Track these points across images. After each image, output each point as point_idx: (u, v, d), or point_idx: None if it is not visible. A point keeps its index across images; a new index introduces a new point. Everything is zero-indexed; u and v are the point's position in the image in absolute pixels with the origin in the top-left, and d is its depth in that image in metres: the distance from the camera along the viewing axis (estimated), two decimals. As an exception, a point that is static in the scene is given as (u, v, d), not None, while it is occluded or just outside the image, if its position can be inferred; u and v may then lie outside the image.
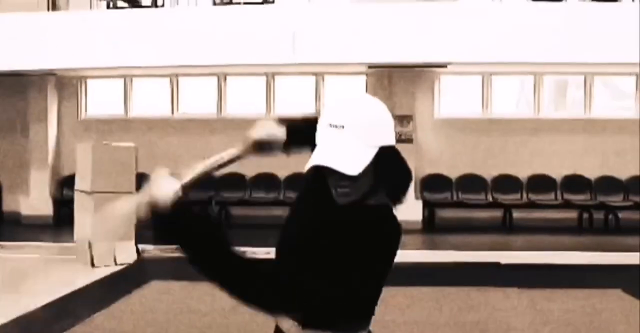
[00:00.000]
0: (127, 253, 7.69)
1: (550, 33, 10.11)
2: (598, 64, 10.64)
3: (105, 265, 7.47)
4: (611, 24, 10.27)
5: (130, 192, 7.70)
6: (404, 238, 1.82)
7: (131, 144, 7.91)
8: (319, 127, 1.78)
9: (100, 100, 12.01)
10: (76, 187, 7.96)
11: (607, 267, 7.28)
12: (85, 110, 12.00)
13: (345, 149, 1.73)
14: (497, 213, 10.96)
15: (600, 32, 10.18)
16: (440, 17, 10.17)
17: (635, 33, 10.09)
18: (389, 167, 1.80)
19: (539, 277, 7.03)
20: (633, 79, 11.43)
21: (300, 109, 10.84)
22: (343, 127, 1.74)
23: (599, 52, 10.24)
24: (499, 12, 10.53)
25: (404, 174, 1.84)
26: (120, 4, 11.16)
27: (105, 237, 7.06)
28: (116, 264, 7.56)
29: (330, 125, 1.76)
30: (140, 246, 8.04)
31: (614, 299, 6.23)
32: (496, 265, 7.45)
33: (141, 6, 11.25)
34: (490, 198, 11.05)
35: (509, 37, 10.10)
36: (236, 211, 11.20)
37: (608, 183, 11.00)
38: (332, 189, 1.78)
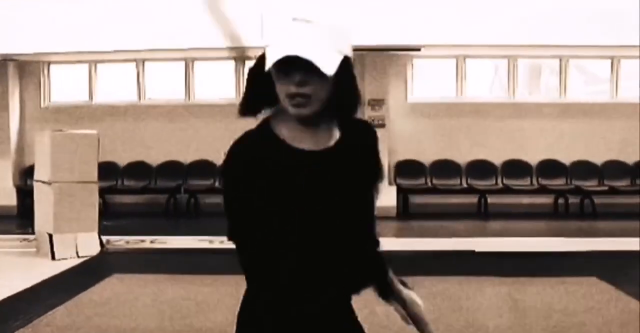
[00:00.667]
0: (89, 246, 7.40)
1: (524, 15, 9.95)
2: (573, 46, 10.50)
3: (66, 258, 7.18)
4: (586, 5, 10.13)
5: (92, 182, 7.44)
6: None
7: (93, 132, 7.59)
8: (275, 23, 1.55)
9: (64, 86, 11.63)
10: (35, 177, 7.65)
11: (583, 253, 7.13)
12: (49, 97, 11.63)
13: (318, 43, 1.52)
14: (472, 199, 10.80)
15: (575, 14, 10.04)
16: (412, -1, 9.94)
17: (610, 15, 9.95)
18: (346, 83, 1.62)
19: (514, 264, 6.86)
20: (606, 63, 11.28)
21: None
22: (311, 22, 1.53)
23: (573, 35, 10.11)
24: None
25: (357, 94, 1.67)
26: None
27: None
28: (78, 257, 7.28)
29: (295, 18, 1.53)
30: (104, 237, 7.78)
31: (590, 287, 6.08)
32: (471, 253, 7.27)
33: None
34: (464, 184, 10.89)
35: (483, 19, 9.92)
36: (205, 199, 10.93)
37: (583, 168, 10.89)
38: (284, 99, 1.57)
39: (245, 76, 1.67)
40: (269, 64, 1.53)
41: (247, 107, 1.65)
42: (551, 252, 7.15)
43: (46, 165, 7.29)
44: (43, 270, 6.71)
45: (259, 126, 1.65)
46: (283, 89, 1.56)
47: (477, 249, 7.48)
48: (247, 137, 1.64)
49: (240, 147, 1.63)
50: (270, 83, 1.59)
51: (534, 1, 9.98)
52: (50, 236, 7.18)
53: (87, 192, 7.37)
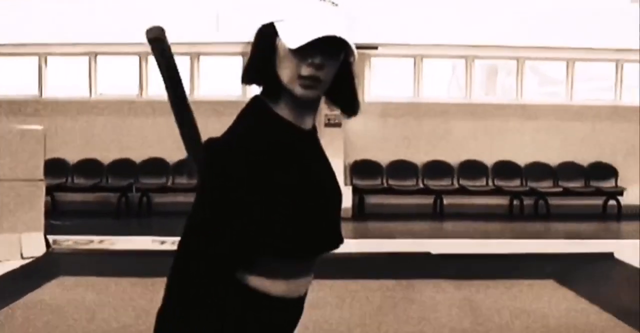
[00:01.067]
0: (34, 246, 7.11)
1: (481, 15, 9.94)
2: (529, 47, 10.55)
3: (9, 259, 6.89)
4: (542, 6, 10.17)
5: (38, 180, 7.15)
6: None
7: (38, 127, 7.30)
8: (300, 2, 1.50)
9: (12, 79, 11.24)
10: (-23, 174, 7.32)
11: (540, 256, 7.10)
12: (-5, 91, 11.23)
13: (346, 28, 1.50)
14: (428, 200, 10.76)
15: (532, 15, 10.07)
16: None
17: (567, 18, 10.01)
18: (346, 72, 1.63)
19: (470, 267, 6.79)
20: (561, 64, 11.34)
21: (226, 91, 10.42)
22: (337, 4, 1.50)
23: (530, 36, 10.15)
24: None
25: (354, 86, 1.67)
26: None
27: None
28: (22, 258, 6.98)
29: None
30: (51, 237, 7.49)
31: (547, 290, 6.05)
32: (426, 255, 7.18)
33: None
34: (420, 185, 10.84)
35: (440, 18, 9.88)
36: (158, 198, 10.70)
37: (538, 170, 10.93)
38: (293, 78, 1.50)
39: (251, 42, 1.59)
40: (297, 40, 1.46)
41: (251, 75, 1.58)
42: (508, 254, 7.10)
43: (-12, 162, 6.97)
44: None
45: (257, 109, 1.57)
46: (294, 69, 1.50)
47: (433, 251, 7.39)
48: (250, 120, 1.57)
49: (253, 131, 1.54)
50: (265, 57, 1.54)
51: (492, 2, 9.98)
52: (-7, 236, 6.88)
53: (32, 190, 7.08)
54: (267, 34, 1.53)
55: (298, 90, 1.51)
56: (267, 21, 1.54)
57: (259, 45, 1.55)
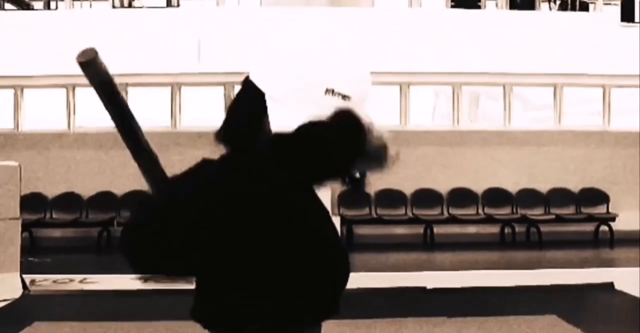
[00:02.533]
0: (10, 288, 6.77)
1: (469, 42, 9.84)
2: (517, 74, 10.43)
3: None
4: (529, 33, 10.10)
5: (13, 218, 6.86)
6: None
7: (14, 163, 7.01)
8: (302, 87, 1.32)
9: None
10: (-52, 213, 7.00)
11: (538, 288, 6.85)
12: (-31, 124, 10.92)
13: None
14: (418, 230, 10.52)
15: (519, 41, 9.99)
16: (355, 24, 9.71)
17: (554, 42, 9.94)
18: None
19: (467, 302, 6.53)
20: (546, 89, 11.21)
21: (208, 121, 10.17)
22: (350, 98, 1.34)
23: (516, 63, 10.05)
24: (417, 19, 10.20)
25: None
26: (7, 6, 10.22)
27: None
28: (-3, 300, 6.65)
29: (332, 92, 1.33)
30: (29, 277, 7.15)
31: (550, 327, 5.77)
32: (422, 289, 6.92)
33: (32, 9, 10.35)
34: (410, 214, 10.60)
35: (427, 45, 9.76)
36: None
37: (529, 196, 10.74)
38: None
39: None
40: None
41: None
42: (505, 288, 6.85)
43: (-39, 200, 6.67)
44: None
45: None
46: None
47: (427, 285, 7.13)
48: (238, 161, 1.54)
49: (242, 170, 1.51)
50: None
51: (479, 28, 9.89)
52: (-34, 278, 6.56)
53: (7, 229, 6.77)
54: (250, 88, 1.45)
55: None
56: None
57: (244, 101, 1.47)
